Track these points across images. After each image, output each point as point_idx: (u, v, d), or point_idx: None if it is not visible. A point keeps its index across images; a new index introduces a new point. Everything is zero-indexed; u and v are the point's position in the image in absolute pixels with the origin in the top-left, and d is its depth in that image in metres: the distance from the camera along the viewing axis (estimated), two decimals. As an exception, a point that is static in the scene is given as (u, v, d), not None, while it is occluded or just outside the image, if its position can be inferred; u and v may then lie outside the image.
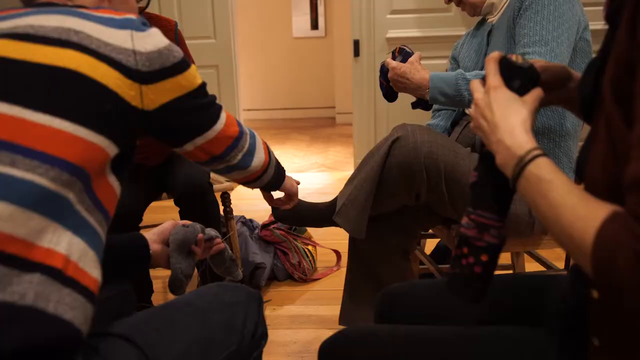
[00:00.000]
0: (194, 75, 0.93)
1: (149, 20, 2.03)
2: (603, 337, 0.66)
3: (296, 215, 1.56)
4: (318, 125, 6.82)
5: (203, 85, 0.96)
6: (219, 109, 1.00)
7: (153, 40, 0.86)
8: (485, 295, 0.83)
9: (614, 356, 0.65)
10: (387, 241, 1.59)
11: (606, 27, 0.73)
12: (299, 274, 2.40)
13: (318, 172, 4.43)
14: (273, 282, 2.41)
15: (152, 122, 0.88)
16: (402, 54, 1.68)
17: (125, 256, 1.11)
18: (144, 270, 1.80)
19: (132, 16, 0.88)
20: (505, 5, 1.64)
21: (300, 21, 7.07)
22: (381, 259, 1.60)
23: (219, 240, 1.24)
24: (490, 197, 0.82)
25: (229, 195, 2.22)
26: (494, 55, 0.83)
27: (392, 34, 3.75)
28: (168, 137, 0.94)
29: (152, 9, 3.70)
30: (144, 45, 0.84)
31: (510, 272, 1.96)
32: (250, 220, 2.57)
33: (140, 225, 1.91)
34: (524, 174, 0.70)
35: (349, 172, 4.28)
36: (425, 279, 1.70)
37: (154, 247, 1.14)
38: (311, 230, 2.64)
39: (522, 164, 0.71)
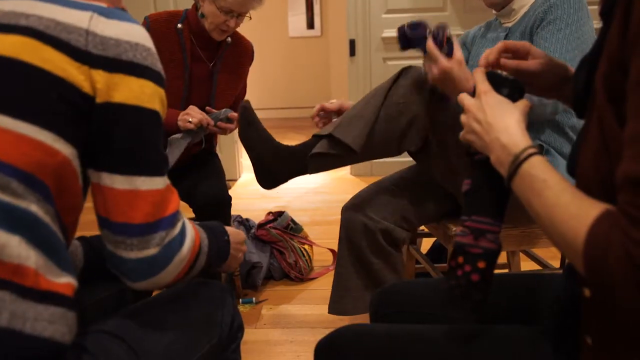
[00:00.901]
0: (152, 95, 0.79)
1: (232, 37, 2.03)
2: (596, 335, 0.66)
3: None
4: (314, 124, 6.81)
5: (158, 117, 0.81)
6: (163, 168, 0.82)
7: (118, 29, 0.77)
8: (485, 303, 0.81)
9: (607, 355, 0.65)
10: (376, 229, 1.57)
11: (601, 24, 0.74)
12: (296, 273, 2.40)
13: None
14: (269, 281, 2.41)
15: (92, 118, 0.76)
16: (449, 46, 1.33)
17: None
18: None
19: (104, 4, 0.80)
20: (523, 12, 1.65)
21: (296, 20, 7.07)
22: (371, 250, 1.59)
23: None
24: (486, 200, 0.82)
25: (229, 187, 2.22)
26: (480, 67, 0.85)
27: (388, 33, 3.76)
28: (93, 149, 0.78)
29: (147, 8, 3.69)
30: (102, 28, 0.76)
31: (506, 271, 1.96)
32: (247, 220, 2.57)
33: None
34: (519, 172, 0.71)
35: (345, 171, 4.28)
36: (421, 277, 1.71)
37: None
38: (308, 230, 2.64)
39: (518, 161, 0.71)
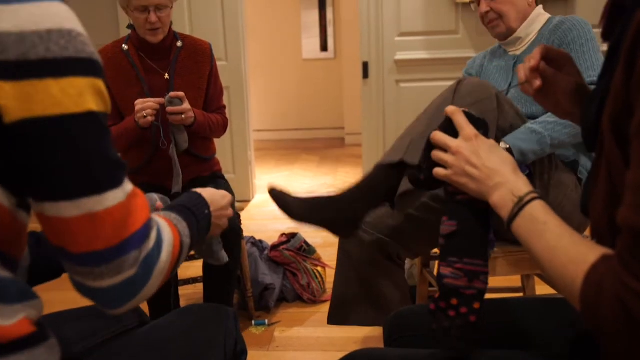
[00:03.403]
0: (80, 93, 0.62)
1: (184, 40, 2.07)
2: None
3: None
4: (327, 146, 6.84)
5: (95, 117, 0.64)
6: (120, 171, 0.67)
7: (19, 17, 0.59)
8: (479, 343, 0.81)
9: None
10: (369, 241, 1.56)
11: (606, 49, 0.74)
12: (308, 295, 2.39)
13: (328, 193, 4.43)
14: (282, 303, 2.40)
15: (7, 141, 0.61)
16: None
17: None
18: None
19: None
20: (531, 39, 1.70)
21: (310, 43, 7.14)
22: (367, 261, 1.59)
23: (160, 205, 1.11)
24: (476, 242, 0.82)
25: (239, 216, 2.23)
26: (455, 108, 0.86)
27: (401, 56, 3.79)
28: (22, 177, 0.63)
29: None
30: None
31: (521, 294, 1.94)
32: (260, 241, 2.58)
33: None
34: (522, 214, 0.73)
35: (358, 192, 4.28)
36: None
37: None
38: (320, 252, 2.64)
39: (522, 204, 0.74)
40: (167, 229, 0.75)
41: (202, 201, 0.94)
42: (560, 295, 1.69)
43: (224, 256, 1.19)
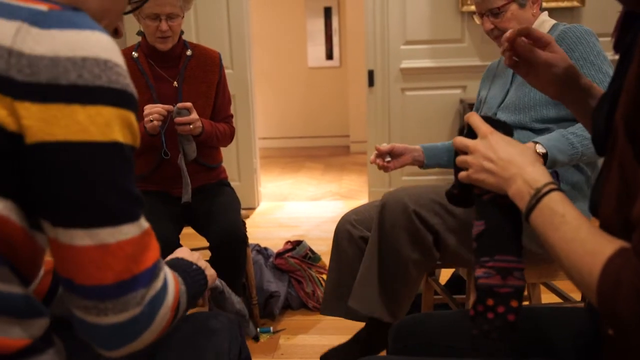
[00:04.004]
0: (107, 123, 0.61)
1: (194, 49, 2.08)
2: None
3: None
4: (332, 153, 6.85)
5: (121, 149, 0.64)
6: (138, 207, 0.67)
7: (56, 42, 0.59)
8: (517, 345, 0.79)
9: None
10: (358, 237, 1.72)
11: (615, 57, 0.75)
12: (313, 302, 2.39)
13: (332, 201, 4.43)
14: (287, 310, 2.40)
15: (26, 163, 0.60)
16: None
17: None
18: None
19: (44, 7, 0.62)
20: None
21: (316, 51, 7.17)
22: (358, 258, 1.67)
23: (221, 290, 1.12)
24: (505, 238, 0.81)
25: (244, 223, 2.23)
26: (471, 112, 0.88)
27: (406, 64, 3.79)
28: (40, 199, 0.63)
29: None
30: (32, 45, 0.59)
31: (527, 303, 1.94)
32: (265, 249, 2.58)
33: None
34: (539, 206, 0.72)
35: (363, 200, 4.28)
36: (439, 309, 1.69)
37: None
38: (326, 259, 2.63)
39: (539, 195, 0.72)
40: (170, 276, 0.74)
41: (186, 261, 0.93)
42: (567, 304, 1.68)
43: (240, 309, 1.18)
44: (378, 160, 1.75)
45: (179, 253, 0.98)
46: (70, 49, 0.60)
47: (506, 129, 0.86)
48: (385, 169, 1.74)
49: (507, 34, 0.98)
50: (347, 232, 1.73)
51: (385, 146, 1.74)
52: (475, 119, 0.86)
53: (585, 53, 1.50)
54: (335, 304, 1.75)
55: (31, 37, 0.59)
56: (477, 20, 1.73)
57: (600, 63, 1.49)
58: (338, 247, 1.76)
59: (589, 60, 1.49)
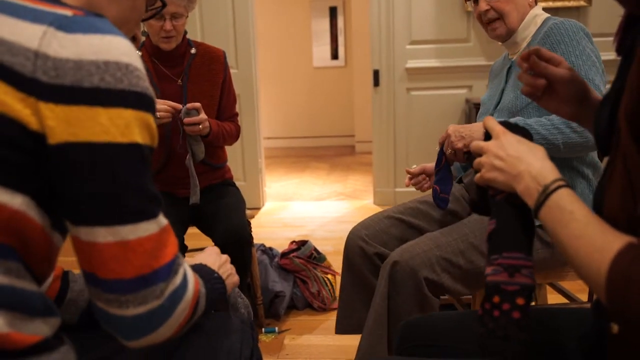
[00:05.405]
0: (127, 125, 0.64)
1: (198, 48, 2.08)
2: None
3: None
4: (338, 153, 6.85)
5: (139, 150, 0.66)
6: (157, 205, 0.69)
7: (80, 46, 0.62)
8: (527, 347, 0.76)
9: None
10: (371, 253, 1.65)
11: (618, 58, 0.74)
12: (319, 303, 2.39)
13: (337, 201, 4.43)
14: (292, 310, 2.40)
15: (49, 163, 0.63)
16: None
17: None
18: None
19: (68, 12, 0.65)
20: (525, 45, 1.63)
21: (321, 51, 7.17)
22: (370, 271, 1.65)
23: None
24: (515, 235, 0.81)
25: (249, 223, 2.24)
26: (488, 117, 0.89)
27: (412, 64, 3.79)
28: (62, 198, 0.65)
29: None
30: (57, 48, 0.61)
31: (533, 304, 1.93)
32: (270, 249, 2.58)
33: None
34: (547, 203, 0.72)
35: (368, 200, 4.27)
36: (445, 310, 1.69)
37: None
38: (331, 259, 2.63)
39: (547, 192, 0.72)
40: (190, 272, 0.76)
41: (207, 268, 0.94)
42: (573, 305, 1.68)
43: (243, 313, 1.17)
44: (413, 181, 1.78)
45: (207, 256, 0.99)
46: (93, 53, 0.62)
47: (522, 132, 0.87)
48: (422, 189, 1.78)
49: (522, 54, 0.99)
50: (359, 249, 1.65)
51: (415, 168, 1.77)
52: (489, 122, 0.87)
53: (567, 53, 1.44)
54: (349, 322, 1.70)
55: (57, 40, 0.61)
56: (469, 6, 1.71)
57: (582, 63, 1.42)
58: (350, 264, 1.69)
59: (569, 60, 1.41)
